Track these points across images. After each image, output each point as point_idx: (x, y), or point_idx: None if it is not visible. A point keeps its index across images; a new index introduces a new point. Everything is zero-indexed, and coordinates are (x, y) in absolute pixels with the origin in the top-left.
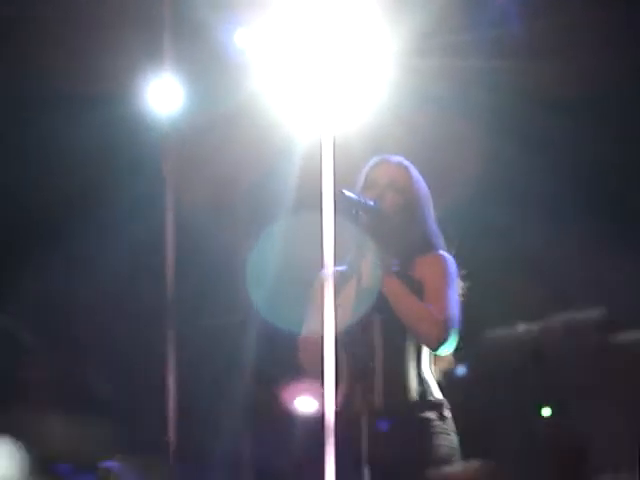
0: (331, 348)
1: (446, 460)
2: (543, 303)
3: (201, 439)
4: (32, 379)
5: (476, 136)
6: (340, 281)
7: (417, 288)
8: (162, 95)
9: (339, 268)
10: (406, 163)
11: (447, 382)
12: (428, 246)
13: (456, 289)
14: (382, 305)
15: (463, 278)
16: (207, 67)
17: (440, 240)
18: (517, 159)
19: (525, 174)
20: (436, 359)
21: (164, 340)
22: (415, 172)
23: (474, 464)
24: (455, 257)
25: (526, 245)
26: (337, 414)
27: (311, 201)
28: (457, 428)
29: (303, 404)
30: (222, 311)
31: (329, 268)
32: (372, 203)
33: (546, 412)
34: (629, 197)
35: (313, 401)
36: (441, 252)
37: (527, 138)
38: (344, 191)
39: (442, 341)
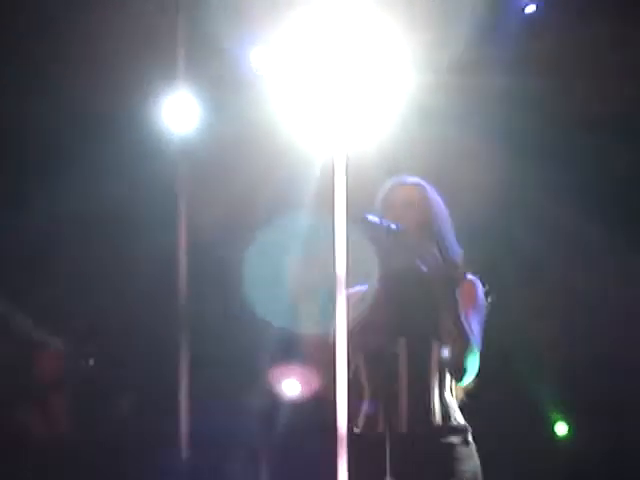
0: (343, 366)
1: None
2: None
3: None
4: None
5: (495, 154)
6: (362, 300)
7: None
8: (177, 113)
9: (360, 288)
10: (422, 183)
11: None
12: (451, 266)
13: (482, 316)
14: (408, 326)
15: (486, 295)
16: (222, 85)
17: (461, 258)
18: (536, 176)
19: (545, 191)
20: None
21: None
22: (432, 192)
23: None
24: (477, 275)
25: (547, 264)
26: (360, 434)
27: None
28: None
29: (290, 387)
30: (236, 332)
31: (341, 281)
32: (394, 226)
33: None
34: None
35: (298, 384)
36: (469, 277)
37: (547, 155)
38: (367, 216)
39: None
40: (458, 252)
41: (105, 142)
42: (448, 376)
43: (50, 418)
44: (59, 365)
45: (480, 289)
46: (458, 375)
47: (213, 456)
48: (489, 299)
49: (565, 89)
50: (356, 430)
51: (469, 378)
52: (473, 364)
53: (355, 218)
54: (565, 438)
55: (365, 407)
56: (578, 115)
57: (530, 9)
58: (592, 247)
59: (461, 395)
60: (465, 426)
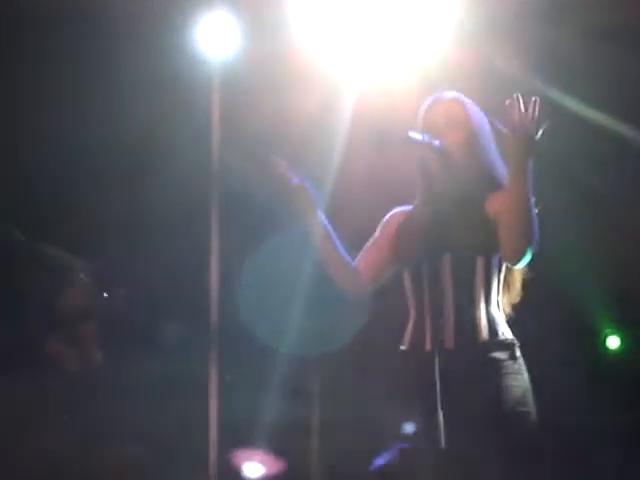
0: None
1: (519, 401)
2: None
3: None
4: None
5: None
6: (408, 218)
7: (494, 225)
8: (214, 34)
9: (405, 207)
10: (461, 98)
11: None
12: (494, 180)
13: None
14: (453, 243)
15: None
16: (260, 8)
17: (504, 173)
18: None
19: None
20: (505, 291)
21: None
22: (472, 106)
23: None
24: None
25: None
26: (407, 351)
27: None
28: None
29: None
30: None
31: None
32: (437, 143)
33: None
34: None
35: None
36: None
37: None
38: (410, 133)
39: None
40: (502, 167)
41: (142, 61)
42: (494, 291)
43: (82, 350)
44: (89, 296)
45: None
46: (515, 256)
47: None
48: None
49: None
50: (402, 347)
51: (525, 261)
52: (530, 249)
53: (399, 137)
54: (618, 352)
55: (411, 324)
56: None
57: None
58: None
59: (508, 310)
60: (513, 341)
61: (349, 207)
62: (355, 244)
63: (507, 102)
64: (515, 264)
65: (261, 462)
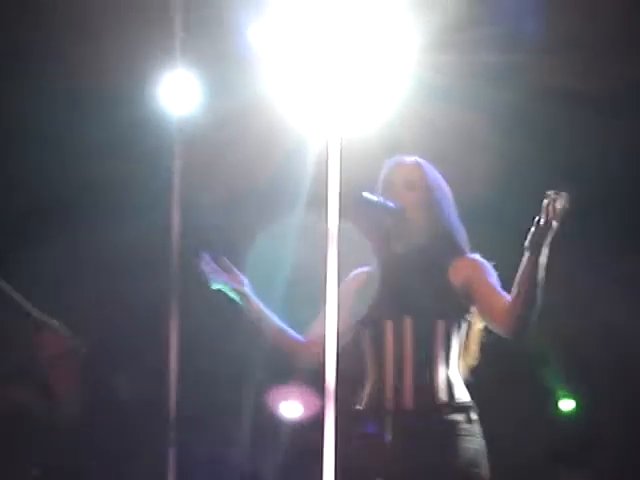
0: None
1: (472, 462)
2: None
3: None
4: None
5: (492, 133)
6: (366, 281)
7: (462, 292)
8: (174, 91)
9: (363, 269)
10: (422, 162)
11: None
12: (454, 246)
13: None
14: (412, 306)
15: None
16: (219, 63)
17: (464, 237)
18: (534, 156)
19: (542, 170)
20: (464, 354)
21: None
22: (432, 170)
23: None
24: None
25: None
26: (363, 411)
27: (322, 201)
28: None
29: (290, 408)
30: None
31: (332, 269)
32: (392, 205)
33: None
34: None
35: (299, 406)
36: (474, 256)
37: (545, 134)
38: (364, 194)
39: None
40: (461, 232)
41: (102, 120)
42: (454, 354)
43: (52, 396)
44: (59, 343)
45: (487, 265)
46: (517, 329)
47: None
48: None
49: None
50: (358, 407)
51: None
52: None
53: (354, 198)
54: (571, 414)
55: (368, 385)
56: (570, 92)
57: None
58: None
59: (466, 373)
60: (470, 403)
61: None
62: (312, 298)
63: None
64: (514, 337)
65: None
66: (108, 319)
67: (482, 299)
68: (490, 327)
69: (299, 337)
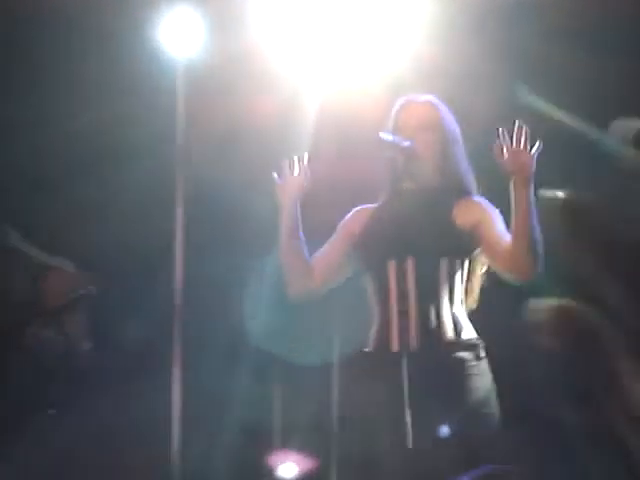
0: None
1: (484, 404)
2: None
3: None
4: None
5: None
6: (371, 217)
7: (468, 234)
8: (177, 32)
9: (367, 206)
10: (434, 101)
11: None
12: (462, 187)
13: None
14: (416, 245)
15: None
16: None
17: (472, 178)
18: (542, 96)
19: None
20: (466, 297)
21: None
22: (444, 109)
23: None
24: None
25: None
26: (373, 352)
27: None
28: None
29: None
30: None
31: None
32: (407, 143)
33: None
34: None
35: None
36: (480, 199)
37: (547, 75)
38: (380, 134)
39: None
40: (470, 174)
41: (104, 60)
42: (458, 292)
43: (65, 335)
44: (69, 286)
45: (494, 209)
46: (526, 272)
47: None
48: None
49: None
50: (367, 349)
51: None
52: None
53: (368, 137)
54: None
55: (376, 325)
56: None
57: None
58: None
59: (469, 306)
60: (477, 341)
61: (312, 207)
62: (317, 244)
63: (496, 139)
64: (524, 280)
65: (295, 462)
66: (116, 263)
67: (490, 244)
68: (499, 272)
69: (309, 261)
